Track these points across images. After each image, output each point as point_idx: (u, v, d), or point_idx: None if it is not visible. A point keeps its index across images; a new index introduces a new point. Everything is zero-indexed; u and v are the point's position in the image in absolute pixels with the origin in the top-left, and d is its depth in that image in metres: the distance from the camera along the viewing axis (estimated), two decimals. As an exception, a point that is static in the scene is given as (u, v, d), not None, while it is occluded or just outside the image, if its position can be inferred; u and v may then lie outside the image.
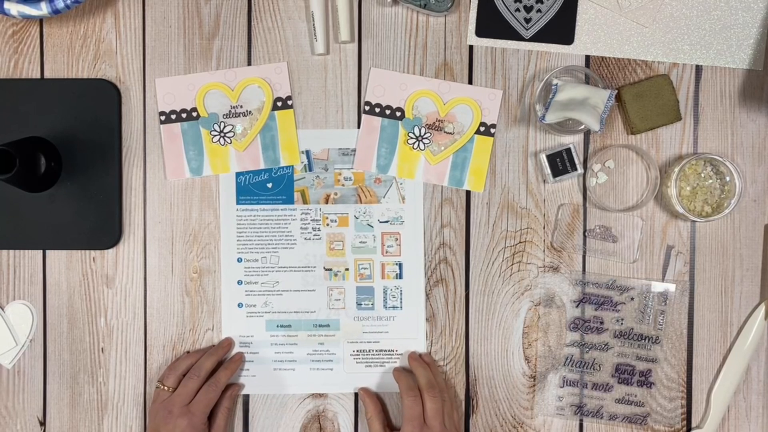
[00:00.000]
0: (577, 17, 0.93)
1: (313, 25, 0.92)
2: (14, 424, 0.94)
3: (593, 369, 0.94)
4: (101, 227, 0.93)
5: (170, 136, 0.93)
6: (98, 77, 0.94)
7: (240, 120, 0.93)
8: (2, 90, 0.93)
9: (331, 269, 0.94)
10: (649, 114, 0.92)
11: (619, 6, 0.93)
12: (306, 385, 0.94)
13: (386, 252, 0.94)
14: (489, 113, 0.93)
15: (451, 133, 0.93)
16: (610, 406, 0.94)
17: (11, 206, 0.93)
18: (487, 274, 0.94)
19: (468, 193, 0.94)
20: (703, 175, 0.92)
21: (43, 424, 0.94)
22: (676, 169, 0.90)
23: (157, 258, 0.94)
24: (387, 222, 0.94)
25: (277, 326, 0.94)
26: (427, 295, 0.94)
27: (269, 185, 0.94)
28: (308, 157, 0.94)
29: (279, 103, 0.93)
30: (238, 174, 0.94)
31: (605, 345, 0.94)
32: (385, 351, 0.94)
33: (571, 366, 0.94)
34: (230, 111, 0.93)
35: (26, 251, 0.94)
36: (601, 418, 0.94)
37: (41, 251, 0.94)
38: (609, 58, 0.93)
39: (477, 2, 0.93)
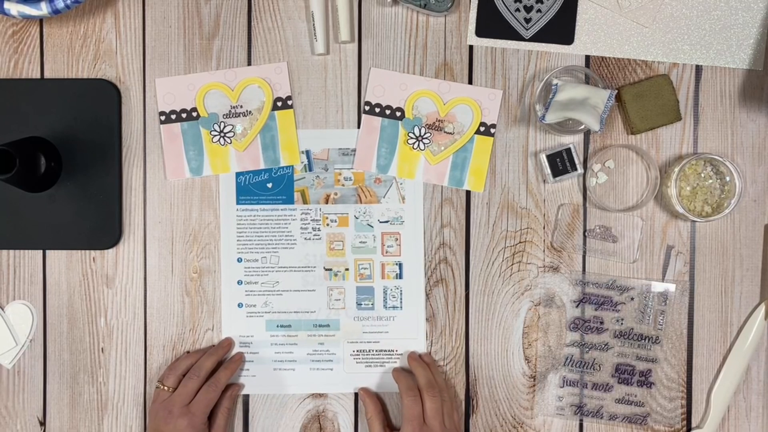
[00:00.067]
0: (577, 17, 0.93)
1: (313, 25, 0.92)
2: (14, 424, 0.94)
3: (593, 369, 0.94)
4: (101, 227, 0.93)
5: (170, 136, 0.93)
6: (98, 77, 0.94)
7: (240, 120, 0.93)
8: (2, 90, 0.93)
9: (331, 269, 0.94)
10: (649, 114, 0.91)
11: (619, 6, 0.93)
12: (306, 385, 0.94)
13: (386, 252, 0.94)
14: (489, 113, 0.93)
15: (451, 133, 0.93)
16: (610, 406, 0.94)
17: (11, 206, 0.93)
18: (487, 274, 0.94)
19: (468, 193, 0.94)
20: (703, 175, 0.92)
21: (43, 424, 0.94)
22: (676, 169, 0.90)
23: (157, 258, 0.94)
24: (387, 222, 0.94)
25: (277, 326, 0.94)
26: (427, 295, 0.94)
27: (269, 185, 0.94)
28: (308, 157, 0.94)
29: (279, 103, 0.93)
30: (238, 174, 0.94)
31: (605, 345, 0.94)
32: (385, 351, 0.94)
33: (571, 366, 0.93)
34: (230, 111, 0.93)
35: (26, 251, 0.94)
36: (601, 418, 0.94)
37: (41, 251, 0.94)
38: (609, 58, 0.93)
39: (477, 2, 0.93)
